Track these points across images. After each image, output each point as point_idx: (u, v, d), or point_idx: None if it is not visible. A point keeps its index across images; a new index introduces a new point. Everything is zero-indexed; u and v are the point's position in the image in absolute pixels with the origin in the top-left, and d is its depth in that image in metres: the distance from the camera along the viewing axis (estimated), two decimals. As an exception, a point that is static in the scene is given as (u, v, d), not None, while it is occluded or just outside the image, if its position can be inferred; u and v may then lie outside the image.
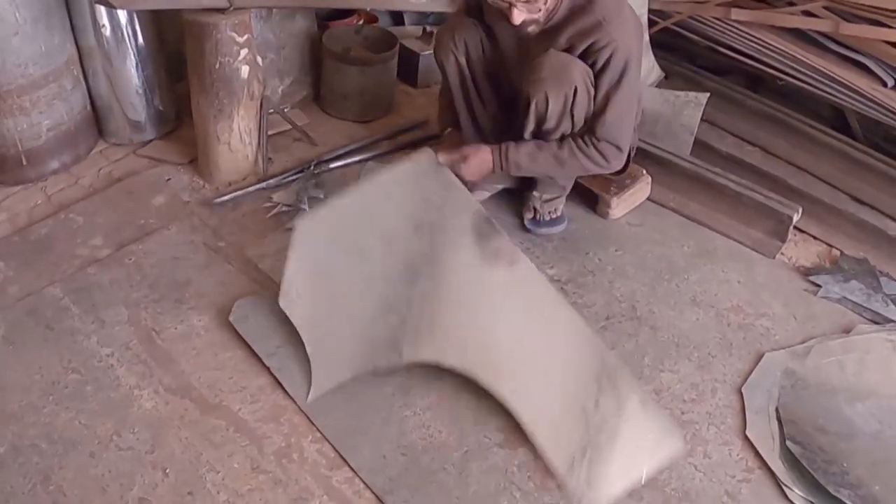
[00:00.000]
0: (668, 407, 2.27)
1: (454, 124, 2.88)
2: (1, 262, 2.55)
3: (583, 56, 2.38)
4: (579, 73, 2.37)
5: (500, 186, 2.93)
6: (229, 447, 2.07)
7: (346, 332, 2.29)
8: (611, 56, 2.35)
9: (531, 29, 2.41)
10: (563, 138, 2.52)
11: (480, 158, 2.53)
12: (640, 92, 2.56)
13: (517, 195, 2.91)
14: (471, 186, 2.52)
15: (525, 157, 2.53)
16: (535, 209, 2.81)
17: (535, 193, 2.78)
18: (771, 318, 2.60)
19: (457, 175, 2.37)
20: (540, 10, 2.34)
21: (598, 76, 2.40)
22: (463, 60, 2.60)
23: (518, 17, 2.31)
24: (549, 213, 2.81)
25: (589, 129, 2.48)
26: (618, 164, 2.55)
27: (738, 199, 2.89)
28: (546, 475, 2.06)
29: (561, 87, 2.38)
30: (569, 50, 2.40)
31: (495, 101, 2.74)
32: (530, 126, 2.51)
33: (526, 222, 2.85)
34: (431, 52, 3.53)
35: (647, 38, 3.34)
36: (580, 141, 2.49)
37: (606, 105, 2.42)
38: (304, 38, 3.36)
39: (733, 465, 2.15)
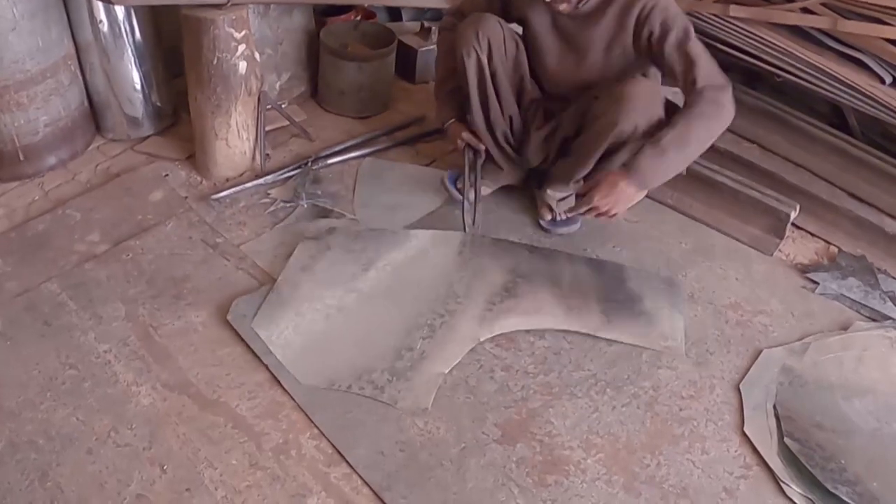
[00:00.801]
0: (667, 404, 2.28)
1: (457, 118, 2.83)
2: (-2, 258, 2.55)
3: (637, 29, 2.40)
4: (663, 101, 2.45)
5: (503, 182, 2.94)
6: (227, 443, 2.07)
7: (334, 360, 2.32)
8: (664, 17, 2.35)
9: (563, 7, 2.41)
10: (669, 124, 2.36)
11: (627, 197, 2.43)
12: None
13: (518, 192, 2.92)
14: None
15: (661, 173, 2.40)
16: (552, 209, 2.82)
17: (548, 192, 2.79)
18: (769, 315, 2.60)
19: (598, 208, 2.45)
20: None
21: (662, 39, 2.36)
22: (485, 59, 2.58)
23: (567, 7, 2.36)
24: (564, 211, 2.80)
25: (688, 90, 2.37)
26: (730, 103, 2.39)
27: (736, 196, 2.89)
28: (545, 471, 2.06)
29: (651, 118, 2.43)
30: (619, 30, 2.42)
31: (513, 101, 2.73)
32: (602, 144, 2.49)
33: (544, 224, 2.86)
34: (430, 48, 3.56)
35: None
36: (690, 111, 2.34)
37: (690, 58, 2.34)
38: (302, 34, 3.35)
39: (731, 461, 2.15)
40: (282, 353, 2.29)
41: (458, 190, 2.89)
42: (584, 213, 2.50)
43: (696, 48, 2.35)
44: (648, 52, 2.43)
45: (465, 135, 2.72)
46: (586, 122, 2.57)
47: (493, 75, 2.62)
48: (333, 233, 2.68)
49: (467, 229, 2.72)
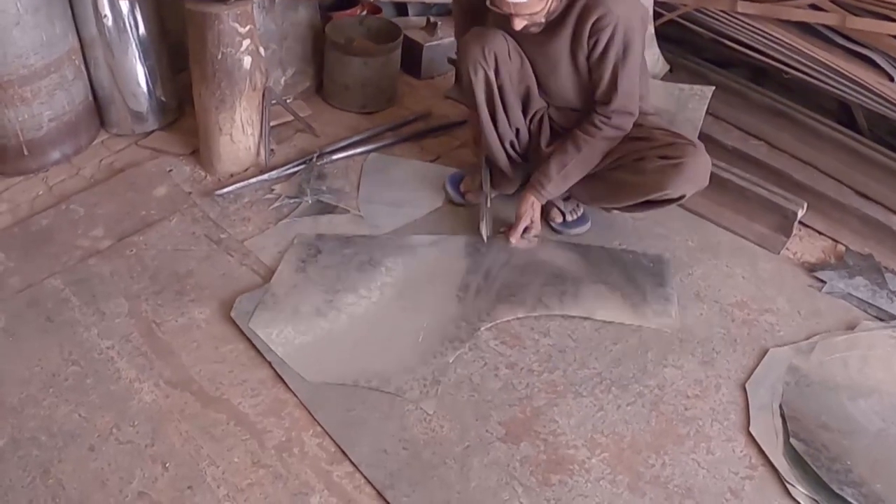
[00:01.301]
0: (672, 403, 2.26)
1: None
2: (2, 253, 2.55)
3: (589, 35, 2.38)
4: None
5: (507, 191, 2.95)
6: (230, 441, 2.06)
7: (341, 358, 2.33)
8: (614, 32, 2.35)
9: (532, 29, 2.41)
10: (575, 137, 2.57)
11: (535, 211, 2.73)
12: (643, 57, 2.59)
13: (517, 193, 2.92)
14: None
15: (560, 182, 2.64)
16: (561, 211, 2.83)
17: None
18: (775, 314, 2.59)
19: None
20: (542, 18, 2.37)
21: (603, 52, 2.39)
22: (492, 74, 2.55)
23: (519, 24, 2.33)
24: (572, 211, 2.84)
25: (600, 105, 2.51)
26: (630, 125, 2.56)
27: (743, 193, 2.87)
28: (549, 470, 2.05)
29: (699, 189, 2.52)
30: (575, 34, 2.40)
31: (520, 113, 2.71)
32: (642, 198, 2.57)
33: (555, 226, 2.85)
34: (435, 43, 3.55)
35: (652, 30, 3.32)
36: (592, 129, 2.53)
37: (616, 80, 2.43)
38: (307, 29, 3.34)
39: (736, 461, 2.13)
40: (283, 351, 2.28)
41: (461, 193, 2.90)
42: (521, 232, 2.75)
43: (626, 74, 2.44)
44: (588, 58, 2.46)
45: (514, 239, 2.76)
46: (634, 168, 2.56)
47: (500, 89, 2.60)
48: (323, 238, 2.68)
49: (486, 238, 2.73)
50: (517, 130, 2.73)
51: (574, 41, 2.42)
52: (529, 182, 2.70)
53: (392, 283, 2.56)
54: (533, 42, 2.52)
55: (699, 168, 2.46)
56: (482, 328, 2.43)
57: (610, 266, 2.70)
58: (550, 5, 2.33)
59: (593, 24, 2.34)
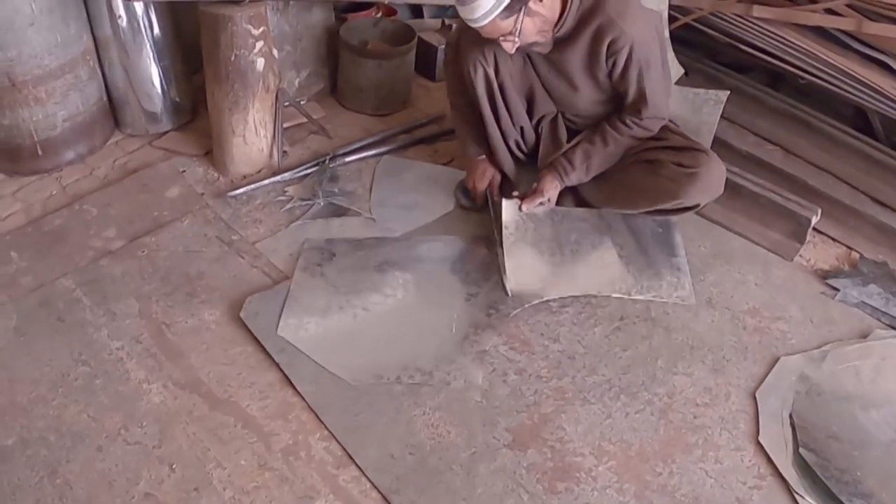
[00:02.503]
0: (681, 411, 2.25)
1: (484, 149, 2.82)
2: (14, 252, 2.56)
3: (606, 57, 2.39)
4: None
5: (516, 194, 2.91)
6: (237, 443, 2.07)
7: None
8: (631, 52, 2.36)
9: (538, 49, 2.43)
10: (603, 131, 2.60)
11: (554, 192, 2.67)
12: (666, 58, 2.59)
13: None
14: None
15: (582, 171, 2.64)
16: None
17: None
18: (787, 322, 2.57)
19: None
20: (539, 38, 2.37)
21: (624, 71, 2.42)
22: (491, 72, 2.56)
23: (510, 48, 2.33)
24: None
25: (631, 114, 2.54)
26: (658, 128, 2.61)
27: (757, 199, 2.86)
28: (555, 477, 2.04)
29: (713, 197, 2.60)
30: (591, 53, 2.41)
31: (523, 112, 2.71)
32: (656, 205, 2.63)
33: None
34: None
35: (667, 33, 3.30)
36: (623, 127, 2.56)
37: (643, 94, 2.47)
38: (322, 31, 3.34)
39: (745, 471, 2.12)
40: (318, 356, 2.28)
41: (471, 199, 2.88)
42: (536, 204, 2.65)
43: (652, 86, 2.47)
44: (609, 76, 2.48)
45: (526, 206, 2.67)
46: (646, 168, 2.59)
47: (501, 87, 2.60)
48: (333, 241, 2.68)
49: (510, 293, 2.56)
50: (521, 129, 2.73)
51: (590, 60, 2.44)
52: (552, 163, 2.67)
53: (413, 281, 2.57)
54: (546, 62, 2.54)
55: (713, 178, 2.49)
56: (512, 313, 2.46)
57: (622, 237, 2.72)
58: (547, 23, 2.34)
59: (609, 47, 2.36)
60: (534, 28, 2.31)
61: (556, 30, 2.38)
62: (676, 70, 3.44)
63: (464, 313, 2.48)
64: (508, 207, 2.66)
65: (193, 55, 3.02)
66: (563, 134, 2.72)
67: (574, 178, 2.65)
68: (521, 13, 2.24)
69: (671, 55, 3.39)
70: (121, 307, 2.41)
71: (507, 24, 2.24)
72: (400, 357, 2.32)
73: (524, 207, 2.64)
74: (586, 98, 2.59)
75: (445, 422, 2.16)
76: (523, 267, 2.59)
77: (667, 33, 3.29)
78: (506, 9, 2.19)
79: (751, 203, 2.88)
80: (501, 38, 2.30)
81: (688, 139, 2.59)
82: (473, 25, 2.25)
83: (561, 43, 2.43)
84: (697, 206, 2.56)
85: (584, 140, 2.62)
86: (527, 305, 2.50)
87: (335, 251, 2.64)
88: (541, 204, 2.66)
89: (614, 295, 2.56)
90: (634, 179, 2.59)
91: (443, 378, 2.26)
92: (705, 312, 2.57)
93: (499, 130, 2.71)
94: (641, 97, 2.48)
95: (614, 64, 2.41)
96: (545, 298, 2.52)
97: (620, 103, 2.56)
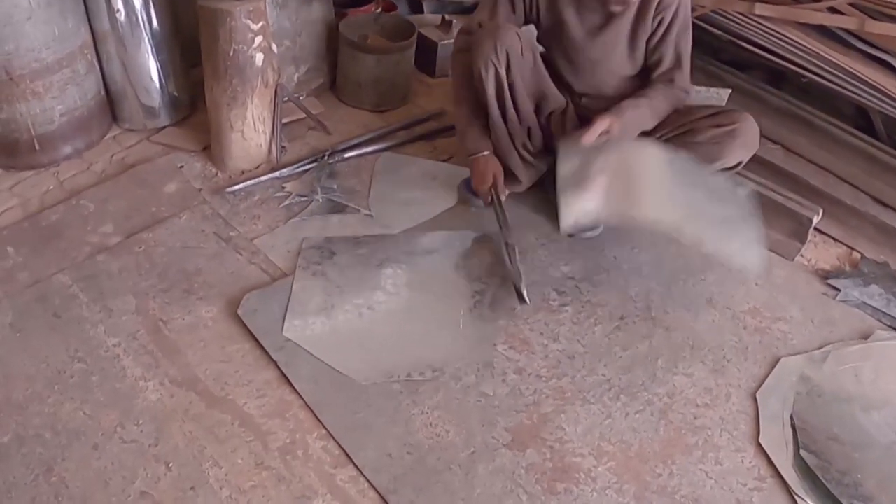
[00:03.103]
0: (681, 412, 2.24)
1: (491, 150, 2.76)
2: (11, 248, 2.54)
3: (654, 14, 2.46)
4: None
5: (520, 189, 2.89)
6: (233, 442, 2.05)
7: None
8: (677, 10, 2.47)
9: (617, 9, 2.43)
10: (640, 91, 2.60)
11: (608, 121, 2.48)
12: None
13: (528, 191, 2.90)
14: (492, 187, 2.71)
15: (631, 116, 2.53)
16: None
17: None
18: (788, 322, 2.56)
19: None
20: None
21: (667, 31, 2.50)
22: (503, 72, 2.54)
23: None
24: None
25: (663, 81, 2.60)
26: (684, 104, 2.66)
27: (758, 198, 2.83)
28: (554, 478, 2.03)
29: (752, 152, 2.61)
30: (639, 15, 2.48)
31: (532, 112, 2.71)
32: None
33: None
34: (450, 41, 3.52)
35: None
36: (658, 85, 2.59)
37: (680, 57, 2.56)
38: (321, 26, 3.33)
39: (745, 472, 2.11)
40: (325, 356, 2.27)
41: (476, 195, 2.83)
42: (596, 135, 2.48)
43: (687, 51, 2.57)
44: (650, 39, 2.54)
45: (494, 182, 2.68)
46: (683, 140, 2.57)
47: (511, 87, 2.59)
48: (332, 240, 2.66)
49: (527, 300, 2.46)
50: (528, 130, 2.72)
51: (637, 22, 2.49)
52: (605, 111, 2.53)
53: (418, 279, 2.55)
54: (590, 28, 2.54)
55: (751, 132, 2.54)
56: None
57: (698, 182, 2.53)
58: None
59: (658, 5, 2.43)
60: None
61: None
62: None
63: (470, 310, 2.47)
64: (566, 154, 2.50)
65: (192, 50, 3.00)
66: (576, 122, 2.72)
67: (626, 120, 2.50)
68: None
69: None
70: (117, 303, 2.39)
71: None
72: (409, 355, 2.31)
73: (584, 141, 2.45)
74: (616, 69, 2.62)
75: (444, 421, 2.14)
76: (578, 206, 2.45)
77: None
78: None
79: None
80: None
81: (716, 106, 2.67)
82: None
83: (611, 13, 2.47)
84: (740, 164, 2.61)
85: (625, 100, 2.57)
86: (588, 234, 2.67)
87: (335, 250, 2.62)
88: (603, 134, 2.49)
89: (683, 239, 2.48)
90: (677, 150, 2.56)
91: (454, 374, 2.26)
92: (706, 312, 2.56)
93: (506, 131, 2.69)
94: (678, 62, 2.55)
95: (659, 23, 2.48)
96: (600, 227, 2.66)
97: (647, 78, 2.62)
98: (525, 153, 2.76)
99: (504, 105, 2.62)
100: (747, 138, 2.53)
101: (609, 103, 2.57)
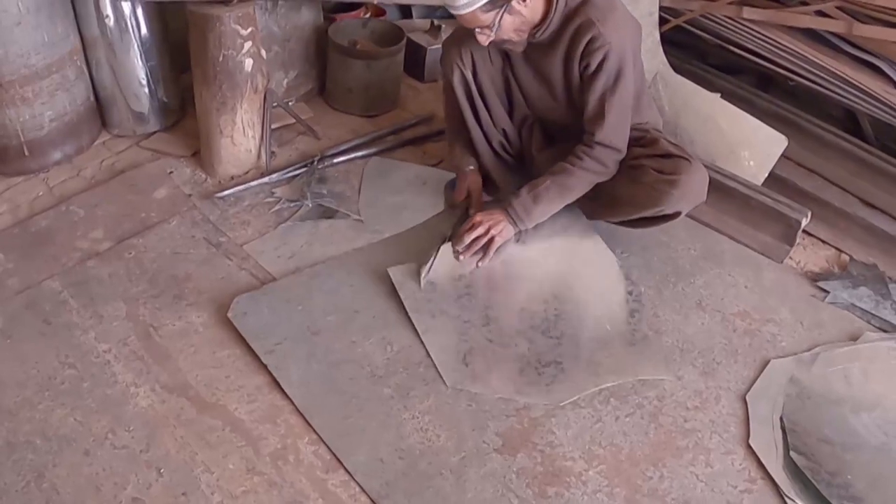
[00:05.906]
0: (671, 415, 2.24)
1: (469, 161, 2.78)
2: (1, 254, 2.53)
3: (581, 56, 2.34)
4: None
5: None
6: (225, 447, 2.05)
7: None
8: (605, 57, 2.30)
9: (510, 47, 2.41)
10: (553, 171, 2.51)
11: (504, 230, 2.55)
12: (637, 88, 2.51)
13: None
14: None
15: (530, 203, 2.52)
16: None
17: None
18: (778, 325, 2.57)
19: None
20: (515, 37, 2.36)
21: (592, 78, 2.35)
22: (469, 75, 2.56)
23: (483, 41, 2.32)
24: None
25: (587, 133, 2.44)
26: (615, 164, 2.49)
27: (747, 202, 2.85)
28: (545, 482, 2.03)
29: (695, 204, 2.50)
30: (568, 54, 2.37)
31: (505, 114, 2.72)
32: (639, 213, 2.54)
33: None
34: (439, 46, 3.53)
35: (657, 35, 3.30)
36: (574, 159, 2.47)
37: (603, 108, 2.37)
38: (310, 31, 3.33)
39: (735, 474, 2.11)
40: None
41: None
42: (472, 240, 2.54)
43: (614, 104, 2.37)
44: (580, 82, 2.42)
45: (465, 257, 2.58)
46: (630, 176, 2.50)
47: (479, 89, 2.61)
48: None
49: (422, 284, 2.51)
50: (504, 131, 2.73)
51: (567, 61, 2.39)
52: (506, 204, 2.56)
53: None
54: (526, 65, 2.53)
55: (694, 185, 2.41)
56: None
57: None
58: (527, 22, 2.32)
59: (585, 46, 2.30)
60: (511, 26, 2.30)
61: (538, 32, 2.35)
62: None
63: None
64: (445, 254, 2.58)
65: (181, 55, 3.00)
66: (539, 138, 2.73)
67: (519, 208, 2.52)
68: (503, 9, 2.23)
69: (662, 57, 3.38)
70: (108, 309, 2.38)
71: (488, 17, 2.24)
72: None
73: (461, 257, 2.55)
74: (562, 106, 2.56)
75: (435, 426, 2.15)
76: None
77: (657, 35, 3.29)
78: (489, 2, 2.19)
79: (741, 205, 2.87)
80: (478, 30, 2.28)
81: (677, 147, 2.51)
82: (454, 12, 2.23)
83: (543, 46, 2.41)
84: (679, 214, 2.48)
85: (551, 174, 2.52)
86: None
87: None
88: (480, 251, 2.57)
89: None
90: (618, 187, 2.53)
91: (455, 381, 2.28)
92: (695, 315, 2.57)
93: (481, 132, 2.70)
94: (600, 114, 2.38)
95: (586, 66, 2.34)
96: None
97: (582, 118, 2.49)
98: (504, 154, 2.78)
99: (475, 107, 2.64)
100: (687, 191, 2.40)
101: (568, 125, 2.58)
